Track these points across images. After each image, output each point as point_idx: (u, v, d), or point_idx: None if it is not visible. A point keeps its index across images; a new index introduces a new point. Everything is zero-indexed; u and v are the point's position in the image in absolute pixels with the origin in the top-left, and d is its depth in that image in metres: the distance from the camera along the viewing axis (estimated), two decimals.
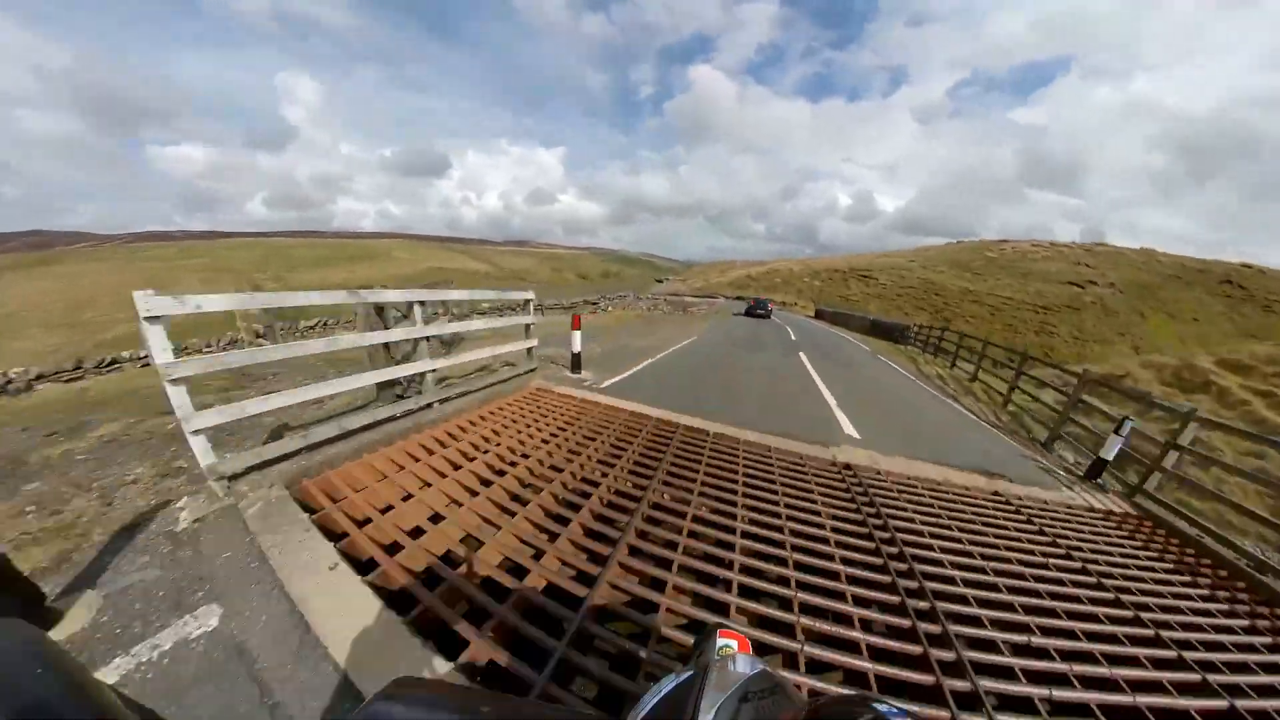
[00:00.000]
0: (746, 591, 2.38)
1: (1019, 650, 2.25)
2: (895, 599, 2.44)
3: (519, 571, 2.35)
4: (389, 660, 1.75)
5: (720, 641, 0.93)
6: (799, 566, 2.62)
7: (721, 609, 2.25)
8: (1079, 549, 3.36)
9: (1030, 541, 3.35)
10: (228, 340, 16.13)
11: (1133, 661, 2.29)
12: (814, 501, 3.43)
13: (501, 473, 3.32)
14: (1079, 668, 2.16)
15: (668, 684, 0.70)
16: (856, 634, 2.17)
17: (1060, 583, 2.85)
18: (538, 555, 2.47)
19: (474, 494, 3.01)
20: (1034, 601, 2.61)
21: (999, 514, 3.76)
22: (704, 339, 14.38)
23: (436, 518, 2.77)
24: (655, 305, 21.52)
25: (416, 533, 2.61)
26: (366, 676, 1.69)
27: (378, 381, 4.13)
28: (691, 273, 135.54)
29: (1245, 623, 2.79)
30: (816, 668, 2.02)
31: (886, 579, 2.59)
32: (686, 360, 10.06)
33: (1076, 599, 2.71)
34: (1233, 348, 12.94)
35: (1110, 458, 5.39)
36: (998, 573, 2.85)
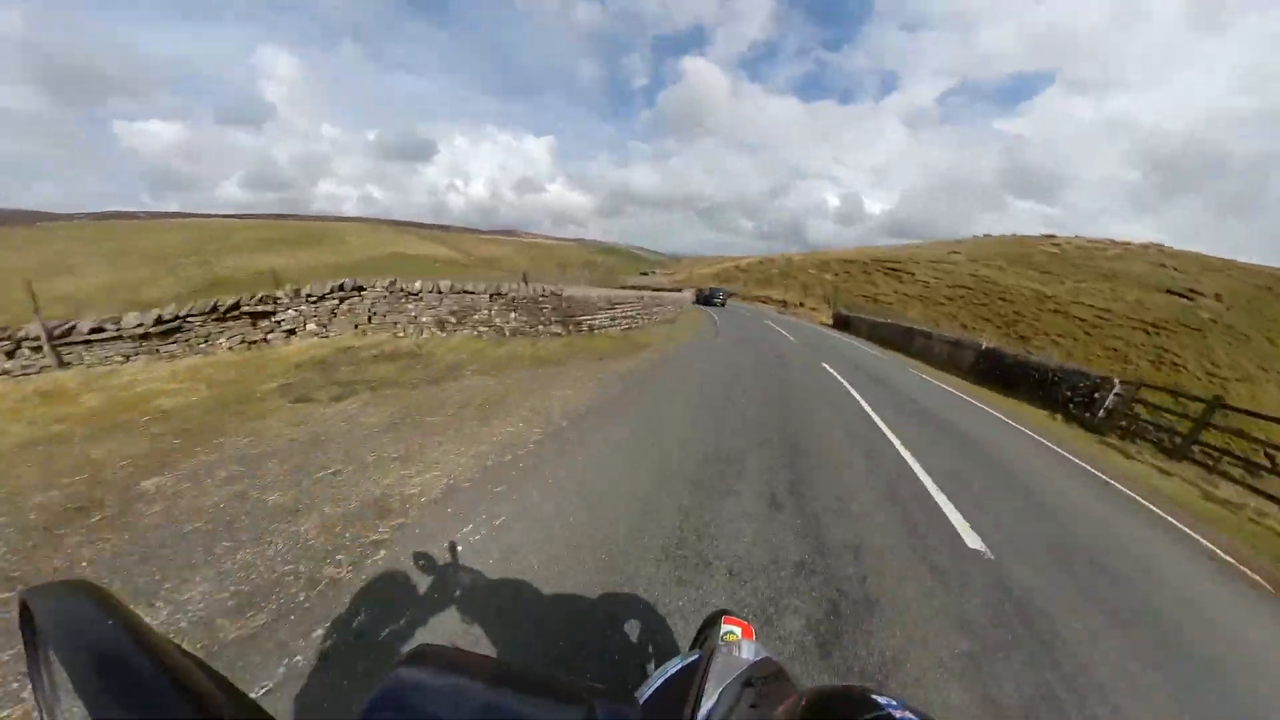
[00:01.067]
0: None
1: None
2: None
3: None
4: None
5: (725, 627, 0.98)
6: None
7: None
8: None
9: None
10: None
11: None
12: None
13: None
14: None
15: (673, 666, 0.75)
16: None
17: None
18: None
19: None
20: None
21: None
22: None
23: None
24: (464, 311, 7.38)
25: None
26: None
27: None
28: (679, 266, 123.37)
29: None
30: None
31: None
32: None
33: None
34: None
35: None
36: None
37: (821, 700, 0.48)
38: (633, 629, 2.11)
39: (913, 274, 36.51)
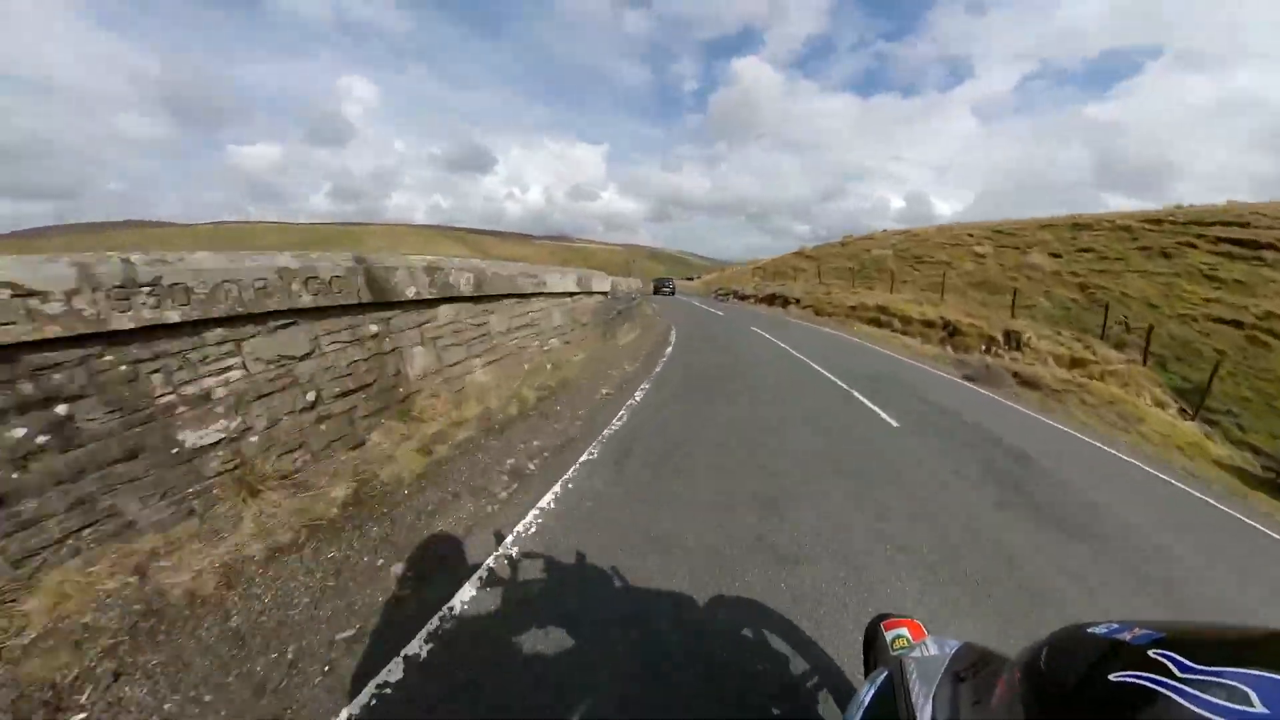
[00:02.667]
0: None
1: None
2: None
3: None
4: None
5: (890, 633, 0.90)
6: None
7: None
8: None
9: None
10: None
11: None
12: None
13: None
14: None
15: (866, 694, 0.68)
16: None
17: None
18: None
19: None
20: None
21: None
22: None
23: None
24: None
25: None
26: None
27: None
28: (725, 270, 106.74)
29: None
30: None
31: None
32: None
33: None
34: None
35: None
36: None
37: (1048, 653, 0.41)
38: None
39: None
